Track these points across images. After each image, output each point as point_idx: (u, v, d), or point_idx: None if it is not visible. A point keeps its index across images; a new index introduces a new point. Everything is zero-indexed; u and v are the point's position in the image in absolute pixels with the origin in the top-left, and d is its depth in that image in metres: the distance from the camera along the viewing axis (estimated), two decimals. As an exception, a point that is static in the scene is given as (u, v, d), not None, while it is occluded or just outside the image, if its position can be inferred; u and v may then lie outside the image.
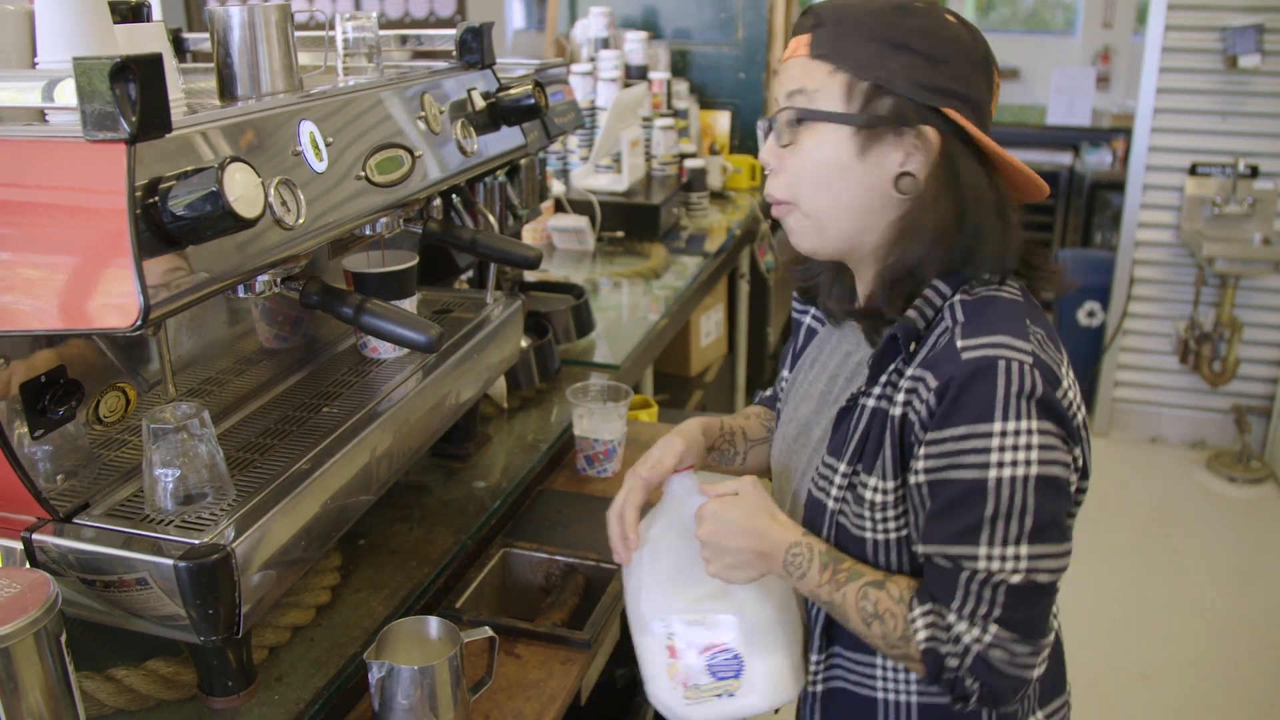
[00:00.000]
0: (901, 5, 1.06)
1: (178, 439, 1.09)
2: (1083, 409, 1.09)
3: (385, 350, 1.53)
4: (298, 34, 1.61)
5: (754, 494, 1.16)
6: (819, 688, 1.23)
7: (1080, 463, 1.08)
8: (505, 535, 1.66)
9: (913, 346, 1.09)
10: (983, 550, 1.02)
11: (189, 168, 0.94)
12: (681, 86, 3.80)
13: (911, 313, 1.08)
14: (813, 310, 1.32)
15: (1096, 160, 5.59)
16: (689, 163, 3.46)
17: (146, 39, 1.03)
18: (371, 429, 1.32)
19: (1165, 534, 3.79)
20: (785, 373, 1.36)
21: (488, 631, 1.27)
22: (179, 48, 1.71)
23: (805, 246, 1.15)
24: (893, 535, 1.10)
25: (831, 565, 1.11)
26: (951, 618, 1.04)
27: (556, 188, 3.15)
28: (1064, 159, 5.70)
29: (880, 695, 1.18)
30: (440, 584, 1.50)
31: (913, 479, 1.06)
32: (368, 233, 1.42)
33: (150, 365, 1.25)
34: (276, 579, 1.15)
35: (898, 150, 1.06)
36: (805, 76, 1.08)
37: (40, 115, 1.01)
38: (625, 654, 1.79)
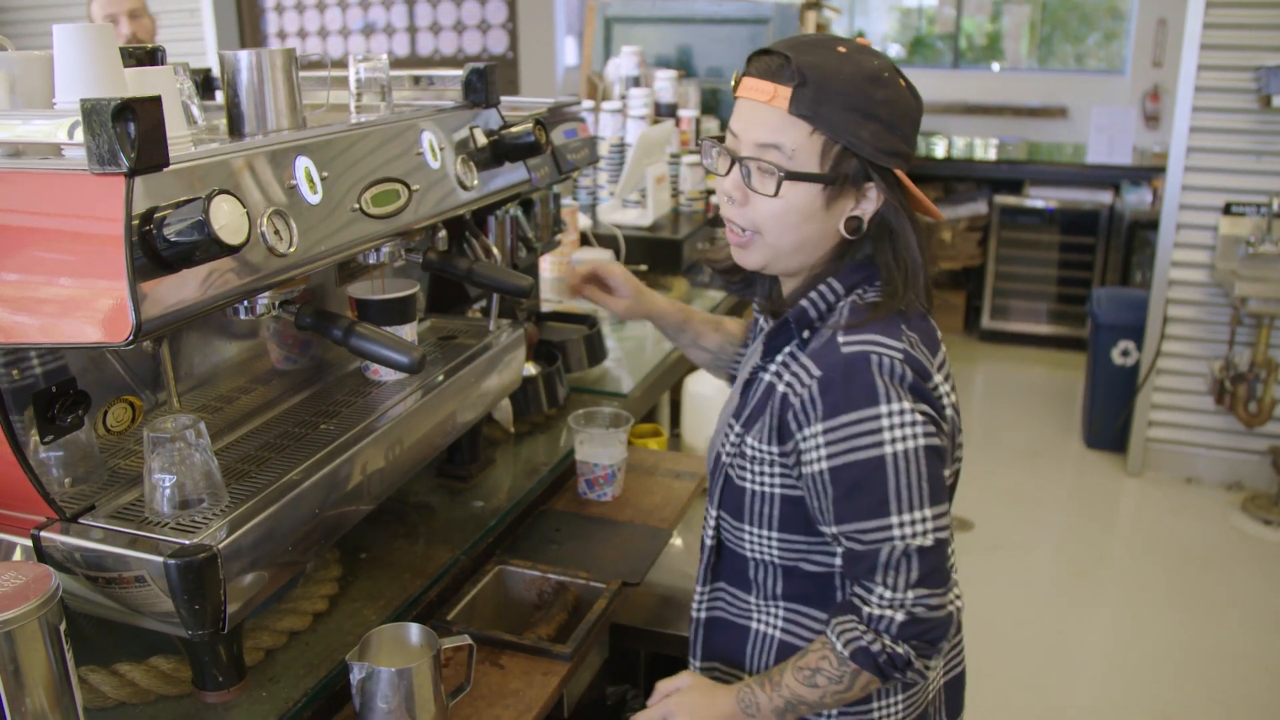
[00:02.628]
0: (872, 76, 1.18)
1: (175, 448, 1.18)
2: (955, 403, 1.27)
3: (386, 373, 1.62)
4: (319, 74, 1.73)
5: (696, 681, 1.35)
6: (702, 615, 1.41)
7: (950, 450, 1.25)
8: (503, 552, 1.73)
9: (807, 335, 1.26)
10: (895, 520, 1.17)
11: (183, 198, 1.03)
12: (713, 124, 3.88)
13: (804, 303, 1.26)
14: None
15: (1137, 199, 5.56)
16: (716, 198, 3.52)
17: (154, 81, 1.13)
18: (361, 445, 1.40)
19: (1199, 576, 3.73)
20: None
21: (466, 639, 1.34)
22: (210, 87, 1.83)
23: (753, 264, 1.29)
24: (766, 489, 1.28)
25: (766, 679, 1.28)
26: (875, 595, 1.19)
27: (583, 221, 3.24)
28: (1104, 197, 5.68)
29: (754, 626, 1.36)
30: (433, 596, 1.57)
31: (808, 469, 1.21)
32: (371, 261, 1.51)
33: (160, 380, 1.34)
34: (263, 580, 1.23)
35: (851, 199, 1.23)
36: (784, 133, 1.19)
37: (57, 150, 1.12)
38: (617, 672, 1.84)
